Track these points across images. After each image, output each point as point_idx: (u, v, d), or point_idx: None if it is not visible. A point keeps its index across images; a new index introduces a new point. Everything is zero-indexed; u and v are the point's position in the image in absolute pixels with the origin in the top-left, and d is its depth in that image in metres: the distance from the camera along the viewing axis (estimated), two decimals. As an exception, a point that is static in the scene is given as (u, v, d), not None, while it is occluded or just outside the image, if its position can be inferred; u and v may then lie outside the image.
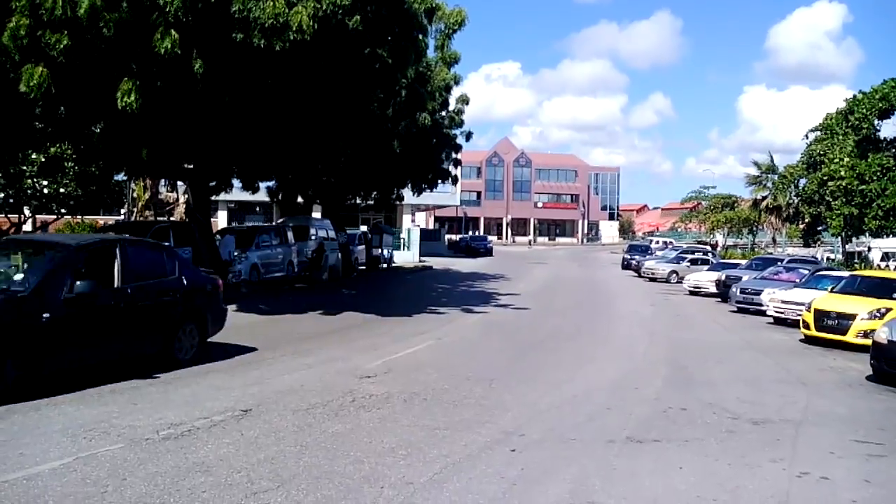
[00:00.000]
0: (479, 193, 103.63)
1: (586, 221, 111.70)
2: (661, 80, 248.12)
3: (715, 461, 7.25)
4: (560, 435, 7.96)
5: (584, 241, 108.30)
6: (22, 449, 6.59)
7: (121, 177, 28.90)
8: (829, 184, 31.45)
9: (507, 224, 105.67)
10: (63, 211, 33.45)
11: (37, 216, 36.44)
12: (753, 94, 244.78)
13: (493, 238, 78.83)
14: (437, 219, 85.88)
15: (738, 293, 23.39)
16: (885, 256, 43.04)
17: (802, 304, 17.66)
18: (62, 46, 13.15)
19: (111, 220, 37.51)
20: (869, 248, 42.96)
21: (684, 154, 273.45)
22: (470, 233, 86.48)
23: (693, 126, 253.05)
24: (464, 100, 33.03)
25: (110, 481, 5.92)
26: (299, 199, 32.66)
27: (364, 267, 35.37)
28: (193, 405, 8.38)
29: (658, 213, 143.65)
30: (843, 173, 30.65)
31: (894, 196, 29.00)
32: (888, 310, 15.16)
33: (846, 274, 20.75)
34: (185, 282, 10.94)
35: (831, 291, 17.51)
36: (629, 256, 46.69)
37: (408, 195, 37.66)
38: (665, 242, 62.41)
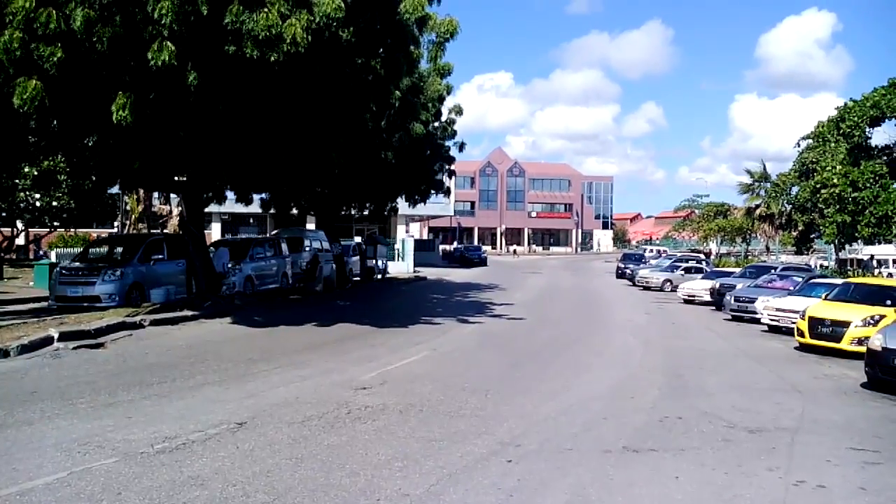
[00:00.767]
0: (472, 203, 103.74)
1: (580, 230, 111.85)
2: (652, 90, 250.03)
3: (711, 470, 7.24)
4: (556, 445, 7.94)
5: (579, 250, 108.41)
6: (15, 464, 6.55)
7: (114, 189, 28.85)
8: (822, 191, 31.54)
9: (502, 234, 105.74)
10: (56, 224, 33.44)
11: (30, 229, 36.41)
12: (745, 102, 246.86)
13: (487, 248, 78.85)
14: (431, 229, 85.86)
15: (732, 301, 23.43)
16: (878, 263, 43.28)
17: (797, 312, 17.69)
18: (56, 60, 13.15)
19: (104, 232, 37.49)
20: (872, 257, 43.15)
21: (677, 163, 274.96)
22: (464, 243, 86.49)
23: (685, 135, 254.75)
24: (457, 110, 33.09)
25: (105, 496, 5.88)
26: (293, 211, 32.64)
27: (358, 278, 35.33)
28: (188, 418, 8.34)
29: (652, 221, 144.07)
30: (835, 181, 30.74)
31: (887, 203, 29.10)
32: (882, 317, 15.21)
33: (840, 281, 20.81)
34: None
35: (825, 299, 17.58)
36: (623, 265, 46.78)
37: (402, 206, 37.66)
38: (659, 251, 62.58)
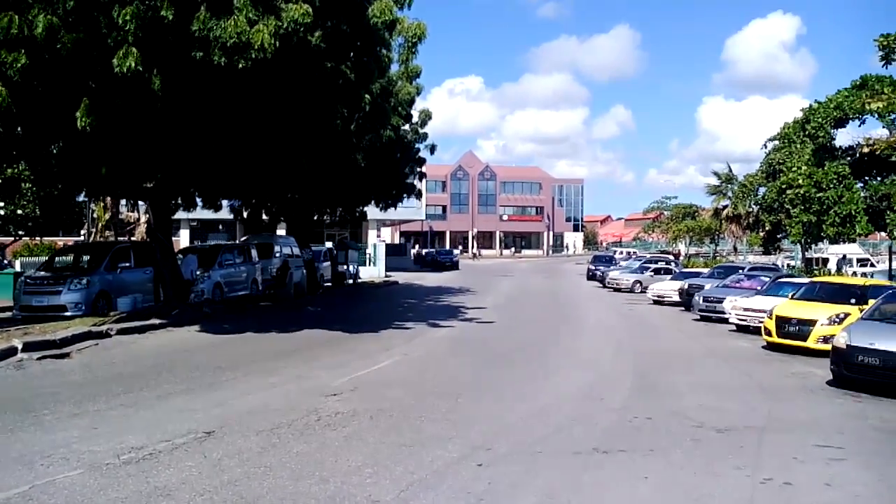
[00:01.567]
0: (444, 207, 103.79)
1: (551, 233, 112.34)
2: (621, 93, 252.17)
3: (680, 470, 7.30)
4: (527, 448, 7.96)
5: (550, 252, 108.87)
6: (-23, 478, 6.43)
7: (81, 197, 28.47)
8: (788, 192, 31.95)
9: (473, 237, 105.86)
10: (21, 233, 32.90)
11: (-7, 238, 35.73)
12: (712, 104, 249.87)
13: (458, 251, 78.91)
14: (402, 233, 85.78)
15: (700, 301, 23.64)
16: (842, 262, 43.95)
17: (764, 311, 17.90)
18: (19, 66, 12.95)
19: (71, 240, 36.94)
20: (844, 256, 43.78)
21: (646, 165, 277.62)
22: (436, 247, 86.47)
23: (654, 137, 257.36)
24: (427, 114, 33.08)
25: (69, 509, 5.79)
26: (263, 217, 32.40)
27: (329, 283, 35.17)
28: (155, 428, 8.24)
29: (622, 223, 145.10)
30: (801, 181, 31.16)
31: (850, 203, 29.57)
32: (847, 315, 15.44)
33: (806, 281, 21.09)
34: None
35: (792, 298, 17.81)
36: (594, 267, 47.03)
37: (373, 211, 37.55)
38: (629, 253, 63.06)
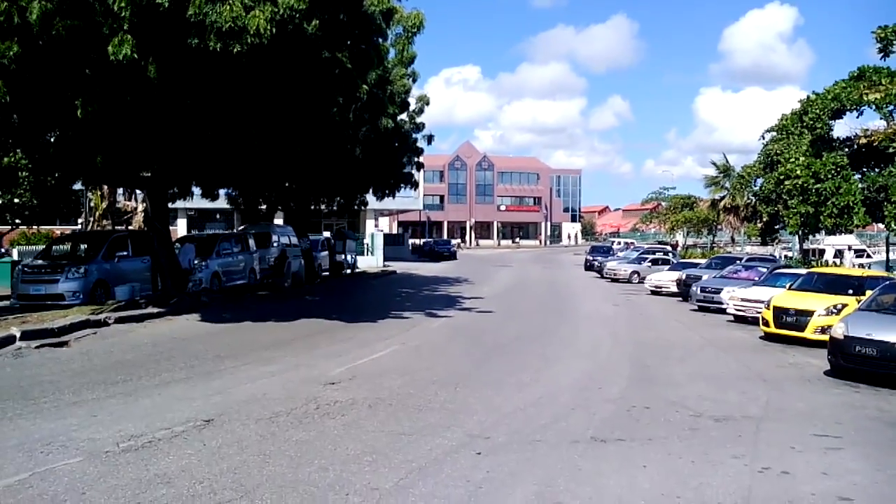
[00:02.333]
0: (442, 197, 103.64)
1: (549, 223, 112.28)
2: (618, 83, 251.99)
3: (678, 459, 7.32)
4: (525, 437, 7.97)
5: (547, 243, 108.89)
6: (-24, 466, 6.43)
7: (78, 186, 28.40)
8: (786, 183, 31.91)
9: (471, 227, 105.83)
10: (18, 221, 32.84)
11: (-10, 227, 35.66)
12: (709, 95, 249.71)
13: (456, 241, 78.86)
14: (400, 223, 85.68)
15: (698, 292, 23.68)
16: (838, 254, 44.03)
17: (761, 302, 17.93)
18: (12, 54, 12.89)
19: (68, 229, 36.88)
20: (850, 247, 43.84)
21: (643, 155, 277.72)
22: (434, 237, 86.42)
23: (651, 128, 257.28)
24: (424, 100, 32.97)
25: (68, 496, 5.80)
26: (261, 206, 32.35)
27: (327, 273, 35.13)
28: (154, 416, 8.25)
29: (619, 214, 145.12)
30: (798, 172, 31.12)
31: (848, 194, 29.57)
32: (844, 305, 15.47)
33: (804, 271, 21.12)
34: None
35: (789, 289, 17.83)
36: (591, 258, 47.03)
37: (371, 200, 37.52)
38: (626, 243, 63.05)
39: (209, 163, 19.99)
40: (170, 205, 23.35)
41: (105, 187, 28.49)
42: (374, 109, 25.19)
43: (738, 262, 27.97)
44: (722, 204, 53.79)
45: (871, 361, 11.58)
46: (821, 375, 12.37)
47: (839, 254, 43.89)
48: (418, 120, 33.34)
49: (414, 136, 33.75)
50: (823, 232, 36.01)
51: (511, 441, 7.78)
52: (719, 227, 59.19)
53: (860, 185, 30.23)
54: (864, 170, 32.46)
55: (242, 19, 13.56)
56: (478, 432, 8.03)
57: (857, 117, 32.33)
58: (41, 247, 26.63)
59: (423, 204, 70.07)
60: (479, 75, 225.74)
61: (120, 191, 31.89)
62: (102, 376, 10.50)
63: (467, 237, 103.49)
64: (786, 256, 42.61)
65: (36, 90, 14.59)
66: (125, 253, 20.32)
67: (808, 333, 15.64)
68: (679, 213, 61.38)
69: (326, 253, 35.90)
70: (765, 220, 37.25)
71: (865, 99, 28.98)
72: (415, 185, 37.76)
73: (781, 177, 32.28)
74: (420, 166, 37.01)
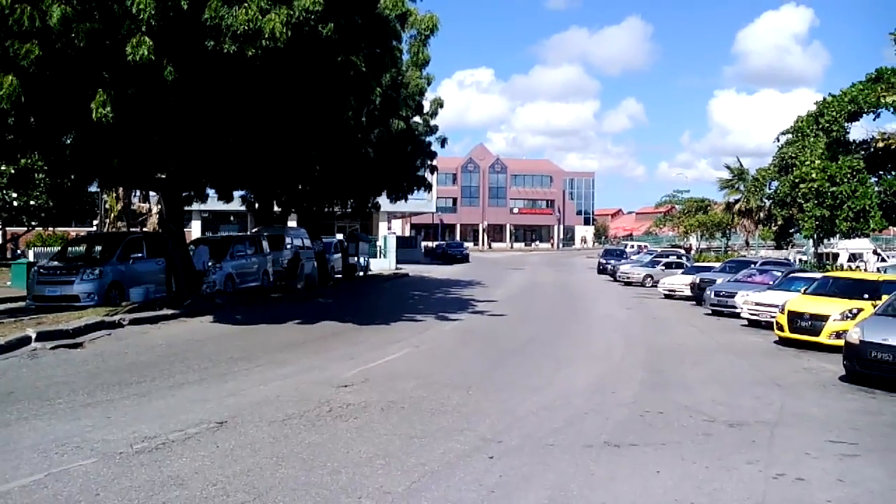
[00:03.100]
0: (454, 200, 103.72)
1: (562, 226, 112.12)
2: (632, 86, 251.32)
3: (692, 464, 7.28)
4: (538, 441, 7.95)
5: (560, 246, 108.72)
6: (-9, 466, 6.47)
7: (93, 188, 28.60)
8: (801, 186, 31.73)
9: (484, 230, 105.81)
10: (34, 223, 33.13)
11: (7, 228, 36.01)
12: (724, 98, 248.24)
13: (469, 244, 78.84)
14: (413, 226, 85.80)
15: (712, 296, 23.57)
16: (853, 257, 43.73)
17: (776, 306, 17.82)
18: (33, 57, 12.99)
19: (83, 231, 37.14)
20: (874, 251, 43.52)
21: (657, 158, 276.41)
22: (446, 239, 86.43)
23: (665, 131, 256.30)
24: (438, 102, 32.95)
25: (82, 497, 5.83)
26: (275, 208, 32.47)
27: (340, 275, 35.22)
28: (168, 417, 8.28)
29: (633, 217, 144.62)
30: (814, 175, 30.93)
31: (864, 197, 29.38)
32: (860, 310, 15.34)
33: (819, 275, 20.97)
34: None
35: (804, 293, 17.70)
36: (604, 261, 46.95)
37: (384, 203, 37.57)
38: (640, 246, 62.85)
39: (224, 164, 20.08)
40: (184, 207, 23.45)
41: (120, 189, 28.72)
42: (387, 112, 25.24)
43: (752, 265, 27.84)
44: (736, 207, 53.62)
45: (887, 367, 11.49)
46: (836, 381, 12.27)
47: (853, 257, 43.57)
48: (432, 122, 33.35)
49: (427, 138, 33.77)
50: (838, 236, 35.78)
51: (524, 445, 7.76)
52: (733, 230, 58.94)
53: (877, 189, 30.03)
54: (881, 173, 32.24)
55: (258, 22, 13.61)
56: (490, 436, 8.02)
57: (874, 120, 32.01)
58: (57, 248, 26.83)
59: (435, 206, 70.05)
60: (493, 77, 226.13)
61: (135, 193, 32.13)
62: (116, 377, 10.55)
63: (480, 240, 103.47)
64: (800, 260, 42.34)
65: (53, 92, 14.70)
66: (140, 255, 20.44)
67: (822, 338, 15.52)
68: (693, 217, 61.23)
69: (339, 255, 35.99)
70: (779, 223, 37.08)
71: (883, 101, 28.78)
72: (428, 187, 37.79)
73: (796, 180, 32.10)
74: (433, 169, 37.04)
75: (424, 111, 31.70)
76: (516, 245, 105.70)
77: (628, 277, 38.05)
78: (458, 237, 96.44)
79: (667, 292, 29.95)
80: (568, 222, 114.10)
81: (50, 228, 36.74)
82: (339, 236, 41.67)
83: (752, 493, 6.53)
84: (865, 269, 36.72)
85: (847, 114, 31.44)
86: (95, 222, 37.00)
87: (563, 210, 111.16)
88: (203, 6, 13.71)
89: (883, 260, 43.73)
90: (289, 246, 27.86)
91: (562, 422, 8.83)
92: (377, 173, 29.14)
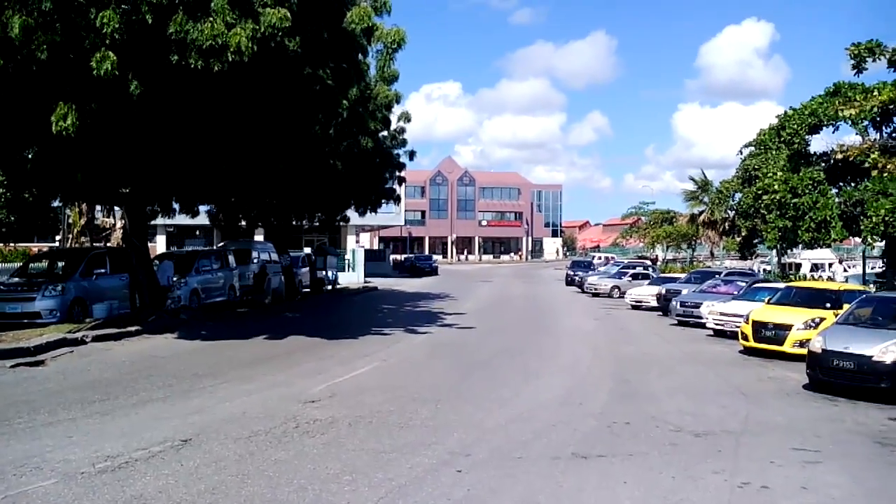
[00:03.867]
0: (423, 213, 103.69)
1: (530, 238, 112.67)
2: (598, 99, 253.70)
3: (659, 474, 7.33)
4: (506, 453, 7.95)
5: (529, 258, 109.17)
6: (-52, 489, 6.32)
7: (56, 203, 28.16)
8: (764, 197, 32.14)
9: (452, 243, 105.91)
10: (-6, 238, 32.49)
11: (-34, 244, 35.26)
12: (687, 111, 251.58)
13: (438, 257, 78.83)
14: (381, 239, 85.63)
15: (678, 306, 23.80)
16: (815, 267, 44.47)
17: (740, 316, 18.04)
18: (-7, 69, 12.80)
19: (45, 246, 36.51)
20: (840, 261, 44.29)
21: (623, 170, 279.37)
22: (415, 252, 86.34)
23: (630, 143, 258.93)
24: (406, 117, 32.99)
25: (42, 519, 5.71)
26: (241, 222, 32.23)
27: (308, 289, 35.02)
28: (131, 436, 8.15)
29: (600, 228, 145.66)
30: (776, 187, 31.36)
31: (825, 208, 29.85)
32: (822, 319, 15.57)
33: (782, 285, 21.28)
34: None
35: (768, 303, 17.94)
36: (572, 272, 47.24)
37: (352, 216, 37.47)
38: (607, 258, 63.29)
39: (189, 179, 19.90)
40: (149, 221, 23.18)
41: (83, 204, 28.27)
42: (355, 125, 25.19)
43: (717, 276, 28.18)
44: (701, 218, 54.16)
45: (848, 375, 11.70)
46: (799, 389, 12.45)
47: (816, 267, 44.34)
48: (400, 137, 33.37)
49: (396, 151, 33.78)
50: (801, 246, 36.34)
51: (492, 458, 7.76)
52: (698, 241, 59.56)
53: (837, 200, 30.54)
54: (841, 184, 32.79)
55: (224, 37, 13.54)
56: (458, 449, 8.00)
57: (834, 132, 32.60)
58: (18, 264, 26.31)
59: (404, 219, 69.98)
60: (460, 91, 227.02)
61: (98, 207, 31.66)
62: (79, 396, 10.37)
63: (449, 252, 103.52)
64: (764, 270, 42.97)
65: (14, 105, 14.48)
66: (103, 270, 20.11)
67: (786, 347, 15.74)
68: (659, 228, 61.74)
69: (307, 269, 35.81)
70: (743, 234, 37.51)
71: (841, 114, 29.32)
72: (397, 199, 37.75)
73: (759, 191, 32.53)
74: (402, 181, 37.01)
75: (392, 125, 31.70)
76: (485, 257, 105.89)
77: (596, 289, 38.31)
78: (426, 250, 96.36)
79: (634, 303, 30.19)
80: (536, 234, 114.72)
81: (11, 244, 36.06)
82: (308, 250, 41.43)
83: (718, 502, 6.60)
84: (833, 279, 37.36)
85: (808, 126, 31.98)
86: (58, 237, 36.40)
87: (531, 222, 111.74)
88: (168, 20, 13.61)
89: (845, 270, 44.61)
90: (255, 260, 27.67)
91: (530, 434, 8.85)
92: (345, 186, 29.08)
